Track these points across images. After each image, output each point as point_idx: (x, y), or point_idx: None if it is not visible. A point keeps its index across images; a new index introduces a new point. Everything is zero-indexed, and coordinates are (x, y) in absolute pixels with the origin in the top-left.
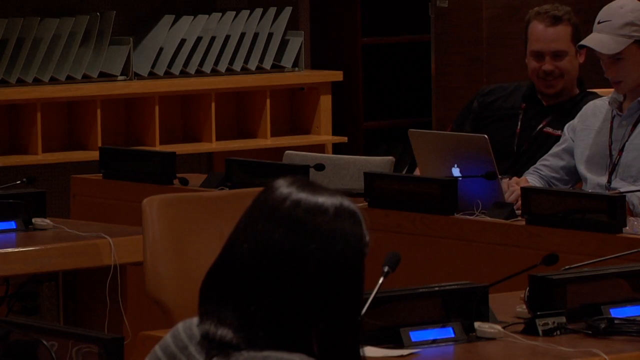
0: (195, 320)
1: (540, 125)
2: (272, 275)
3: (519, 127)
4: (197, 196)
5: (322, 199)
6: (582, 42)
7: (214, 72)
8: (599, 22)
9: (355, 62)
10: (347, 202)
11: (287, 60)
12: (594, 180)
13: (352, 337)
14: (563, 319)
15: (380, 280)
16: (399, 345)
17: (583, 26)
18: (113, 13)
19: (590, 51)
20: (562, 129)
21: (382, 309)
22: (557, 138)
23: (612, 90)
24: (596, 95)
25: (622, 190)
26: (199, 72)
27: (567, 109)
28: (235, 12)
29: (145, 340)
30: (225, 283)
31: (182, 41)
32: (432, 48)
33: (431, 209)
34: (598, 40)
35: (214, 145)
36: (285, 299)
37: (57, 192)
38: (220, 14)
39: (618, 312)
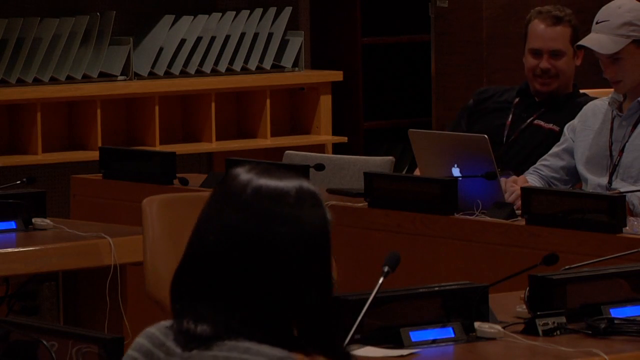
0: (165, 323)
1: (531, 118)
2: (241, 264)
3: (510, 119)
4: (197, 196)
5: (282, 183)
6: (580, 42)
7: (214, 72)
8: (597, 22)
9: (355, 62)
10: (306, 183)
11: (287, 60)
12: (595, 181)
13: (328, 316)
14: (563, 319)
15: (380, 280)
16: (399, 345)
17: (582, 26)
18: (113, 13)
19: (588, 51)
20: (553, 123)
21: (382, 309)
22: (548, 131)
23: (603, 91)
24: (588, 97)
25: (622, 190)
26: (199, 72)
27: (560, 103)
28: (235, 12)
29: None
30: (196, 277)
31: (182, 41)
32: (432, 48)
33: (431, 209)
34: (596, 40)
35: (214, 145)
36: (257, 286)
37: (57, 192)
38: (220, 14)
39: (618, 312)
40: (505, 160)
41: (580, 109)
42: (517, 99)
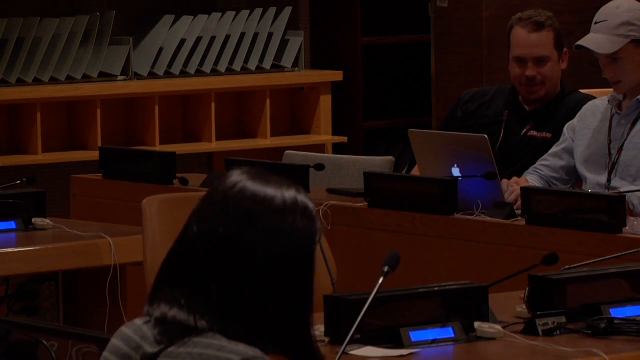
0: (138, 321)
1: (524, 130)
2: (219, 261)
3: (501, 135)
4: (197, 196)
5: (270, 190)
6: (579, 43)
7: (214, 72)
8: (595, 23)
9: (355, 62)
10: (302, 196)
11: (287, 60)
12: (594, 180)
13: (303, 326)
14: (563, 319)
15: (380, 280)
16: (399, 345)
17: (581, 26)
18: (113, 13)
19: (588, 51)
20: (546, 130)
21: (382, 309)
22: (543, 140)
23: (603, 91)
24: (579, 94)
25: (622, 190)
26: (199, 72)
27: (551, 110)
28: (235, 12)
29: None
30: (177, 268)
31: (182, 41)
32: (432, 48)
33: (431, 209)
34: (594, 40)
35: (214, 145)
36: (232, 285)
37: (57, 192)
38: (220, 14)
39: (618, 312)
40: (500, 176)
41: (573, 106)
42: (506, 112)
